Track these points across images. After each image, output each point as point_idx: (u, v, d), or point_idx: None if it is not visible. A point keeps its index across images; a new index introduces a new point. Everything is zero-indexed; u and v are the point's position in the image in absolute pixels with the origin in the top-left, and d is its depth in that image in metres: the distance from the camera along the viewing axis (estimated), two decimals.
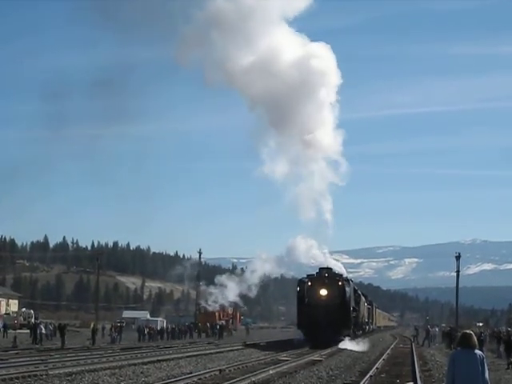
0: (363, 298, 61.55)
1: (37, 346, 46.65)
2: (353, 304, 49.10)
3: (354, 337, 48.93)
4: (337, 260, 58.77)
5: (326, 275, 46.89)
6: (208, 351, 39.20)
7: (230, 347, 43.80)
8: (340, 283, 46.36)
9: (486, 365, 10.08)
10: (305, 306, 45.85)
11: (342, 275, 49.36)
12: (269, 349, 41.84)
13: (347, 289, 46.53)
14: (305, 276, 47.78)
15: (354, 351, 40.49)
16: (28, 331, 57.48)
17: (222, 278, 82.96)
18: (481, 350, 10.78)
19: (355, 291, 53.31)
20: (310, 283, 46.17)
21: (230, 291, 79.85)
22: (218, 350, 40.04)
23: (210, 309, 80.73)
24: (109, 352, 38.30)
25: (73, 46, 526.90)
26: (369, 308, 70.80)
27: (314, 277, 47.12)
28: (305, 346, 43.06)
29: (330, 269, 48.75)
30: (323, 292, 45.67)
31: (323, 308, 44.52)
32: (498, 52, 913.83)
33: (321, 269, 48.20)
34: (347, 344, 44.26)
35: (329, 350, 39.47)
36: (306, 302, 45.81)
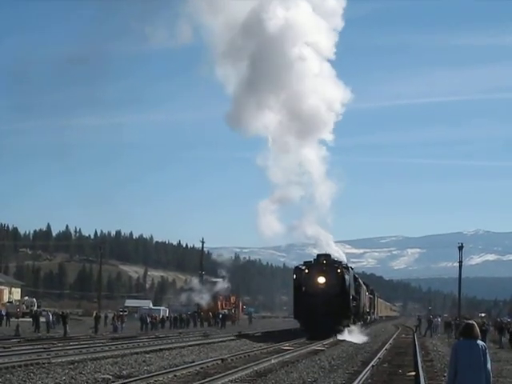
0: (364, 287, 59.64)
1: (39, 334, 46.72)
2: (353, 293, 46.96)
3: (354, 327, 47.15)
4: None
5: (324, 262, 44.51)
6: (210, 340, 39.24)
7: (231, 337, 43.75)
8: (339, 270, 44.06)
9: (488, 355, 10.06)
10: (302, 295, 43.78)
11: (341, 262, 46.85)
12: (268, 339, 41.40)
13: (347, 276, 44.32)
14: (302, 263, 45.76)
15: (354, 342, 39.53)
16: (30, 319, 57.62)
17: (194, 283, 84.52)
18: (484, 340, 10.78)
19: (355, 279, 51.18)
20: (307, 270, 44.00)
21: (199, 296, 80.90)
22: (220, 339, 40.05)
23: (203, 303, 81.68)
24: (111, 341, 38.36)
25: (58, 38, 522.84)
26: (370, 297, 70.29)
27: (312, 264, 44.81)
28: (302, 336, 41.11)
29: (329, 255, 46.27)
30: (321, 280, 43.40)
31: (321, 297, 42.32)
32: (502, 42, 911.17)
33: (319, 255, 45.82)
34: (346, 335, 42.79)
35: (330, 340, 39.29)
36: (303, 291, 43.74)
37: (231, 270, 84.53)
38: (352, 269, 50.09)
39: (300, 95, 50.96)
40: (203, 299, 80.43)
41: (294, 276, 44.69)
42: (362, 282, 57.94)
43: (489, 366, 10.00)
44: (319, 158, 51.53)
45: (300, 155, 52.04)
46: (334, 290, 43.22)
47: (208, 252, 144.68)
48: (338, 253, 52.34)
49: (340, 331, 43.24)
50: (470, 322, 10.46)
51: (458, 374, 9.92)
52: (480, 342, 10.05)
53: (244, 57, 51.33)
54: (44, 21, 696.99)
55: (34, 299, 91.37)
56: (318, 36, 51.00)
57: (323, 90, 51.19)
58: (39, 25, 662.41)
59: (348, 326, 45.37)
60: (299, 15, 50.73)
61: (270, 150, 52.82)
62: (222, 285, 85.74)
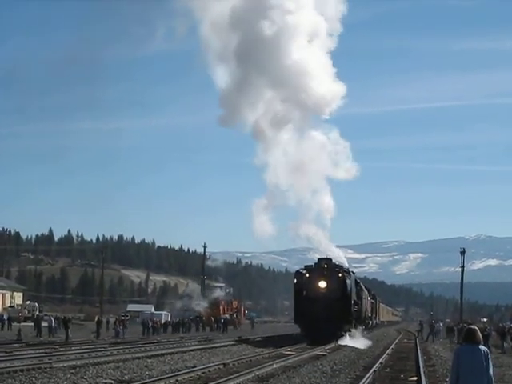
0: (366, 292, 59.25)
1: (41, 338, 46.72)
2: (354, 297, 46.51)
3: (355, 332, 46.59)
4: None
5: (325, 266, 44.09)
6: (212, 345, 39.22)
7: (233, 342, 43.69)
8: (340, 275, 43.60)
9: (490, 360, 10.06)
10: (302, 299, 43.25)
11: (342, 266, 46.49)
12: (270, 344, 41.31)
13: (348, 281, 43.91)
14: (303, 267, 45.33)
15: (356, 347, 39.35)
16: (32, 324, 57.64)
17: (190, 289, 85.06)
18: (486, 345, 10.78)
19: (357, 284, 50.70)
20: (307, 275, 43.52)
21: (195, 302, 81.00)
22: (222, 344, 40.03)
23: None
24: (113, 345, 38.36)
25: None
26: (372, 302, 70.01)
27: (313, 268, 44.46)
28: (303, 341, 40.94)
29: (330, 259, 45.97)
30: (322, 284, 42.95)
31: (322, 301, 41.90)
32: (502, 47, 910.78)
33: (320, 259, 45.48)
34: (348, 340, 42.48)
35: (332, 345, 39.17)
36: (303, 295, 43.23)
37: (228, 275, 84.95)
38: (353, 273, 49.72)
39: (295, 91, 50.70)
40: (200, 305, 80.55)
41: (295, 280, 44.33)
42: (363, 287, 57.58)
43: (491, 371, 10.01)
44: (316, 156, 51.23)
45: (295, 152, 51.81)
46: (335, 294, 42.80)
47: (210, 257, 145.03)
48: (331, 251, 51.15)
49: (341, 336, 42.87)
50: (472, 326, 10.45)
51: (459, 379, 9.92)
52: (482, 347, 10.05)
53: (236, 54, 51.02)
54: (44, 25, 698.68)
55: (36, 304, 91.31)
56: (317, 35, 50.88)
57: (319, 86, 50.84)
58: (39, 29, 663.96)
59: (349, 331, 44.97)
60: (300, 15, 50.57)
61: (265, 147, 52.42)
62: (220, 292, 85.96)
